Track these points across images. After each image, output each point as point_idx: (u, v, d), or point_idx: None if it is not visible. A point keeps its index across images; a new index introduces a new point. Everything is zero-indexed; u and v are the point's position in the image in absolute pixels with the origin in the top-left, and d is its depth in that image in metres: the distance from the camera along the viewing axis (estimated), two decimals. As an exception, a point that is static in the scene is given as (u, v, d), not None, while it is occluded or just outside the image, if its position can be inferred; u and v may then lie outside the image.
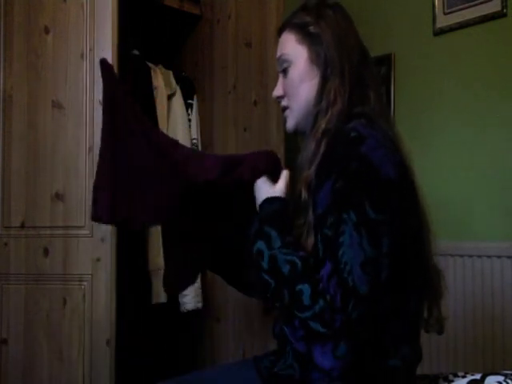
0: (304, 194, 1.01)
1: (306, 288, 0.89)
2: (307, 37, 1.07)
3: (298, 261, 0.92)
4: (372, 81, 1.08)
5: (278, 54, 1.12)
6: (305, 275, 0.91)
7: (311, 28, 1.07)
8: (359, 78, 1.06)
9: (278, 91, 1.13)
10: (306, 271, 0.91)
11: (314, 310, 0.88)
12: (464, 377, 1.06)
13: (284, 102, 1.13)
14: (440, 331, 1.08)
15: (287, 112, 1.13)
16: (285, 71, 1.10)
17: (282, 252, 0.94)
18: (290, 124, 1.13)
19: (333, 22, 1.08)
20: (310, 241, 0.96)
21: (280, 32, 1.14)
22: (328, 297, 0.87)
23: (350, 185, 0.91)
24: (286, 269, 0.92)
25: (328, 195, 0.92)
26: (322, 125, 1.03)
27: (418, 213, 1.02)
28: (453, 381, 1.07)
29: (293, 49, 1.09)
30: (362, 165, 0.92)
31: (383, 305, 0.93)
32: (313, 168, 1.01)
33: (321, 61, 1.06)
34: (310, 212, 0.98)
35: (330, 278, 0.88)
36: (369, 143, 0.94)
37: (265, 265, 0.95)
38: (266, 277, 0.95)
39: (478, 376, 1.01)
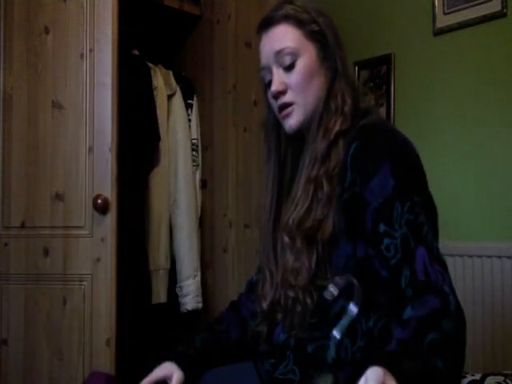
0: (326, 187, 0.98)
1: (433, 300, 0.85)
2: (313, 34, 1.06)
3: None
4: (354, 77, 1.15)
5: (279, 46, 1.06)
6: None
7: (314, 26, 1.06)
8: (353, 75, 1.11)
9: (280, 86, 1.05)
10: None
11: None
12: (464, 377, 1.06)
13: (287, 98, 1.06)
14: None
15: (292, 108, 1.06)
16: (291, 65, 1.05)
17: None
18: (295, 121, 1.06)
19: (329, 20, 1.08)
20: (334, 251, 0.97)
21: (270, 24, 1.09)
22: (447, 288, 0.86)
23: (412, 169, 0.95)
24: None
25: (387, 182, 0.92)
26: (337, 126, 1.01)
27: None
28: (453, 381, 1.06)
29: (300, 43, 1.05)
30: (409, 152, 0.97)
31: None
32: (333, 163, 0.99)
33: (330, 59, 1.06)
34: (334, 201, 0.97)
35: (432, 263, 0.87)
36: (399, 134, 0.99)
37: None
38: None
39: (477, 376, 1.01)
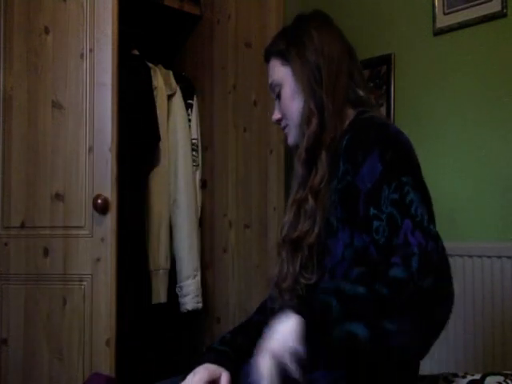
0: (311, 201, 1.05)
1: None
2: (290, 56, 1.13)
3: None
4: (360, 77, 1.15)
5: (269, 81, 1.18)
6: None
7: (292, 49, 1.13)
8: (350, 77, 1.12)
9: (276, 115, 1.18)
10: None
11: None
12: (464, 377, 1.06)
13: (283, 123, 1.18)
14: None
15: (287, 129, 1.18)
16: (278, 95, 1.16)
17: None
18: (290, 141, 1.18)
19: (312, 37, 1.12)
20: (332, 241, 1.00)
21: (266, 60, 1.20)
22: (416, 249, 0.85)
23: (400, 154, 0.97)
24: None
25: (375, 168, 0.95)
26: (304, 143, 1.08)
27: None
28: (453, 381, 1.07)
29: (279, 72, 1.15)
30: (401, 141, 1.00)
31: None
32: (318, 177, 1.05)
33: (305, 74, 1.11)
34: (318, 218, 1.03)
35: (414, 231, 0.88)
36: (393, 127, 1.03)
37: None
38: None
39: (477, 376, 1.01)
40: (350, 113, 1.10)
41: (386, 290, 0.82)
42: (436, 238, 0.88)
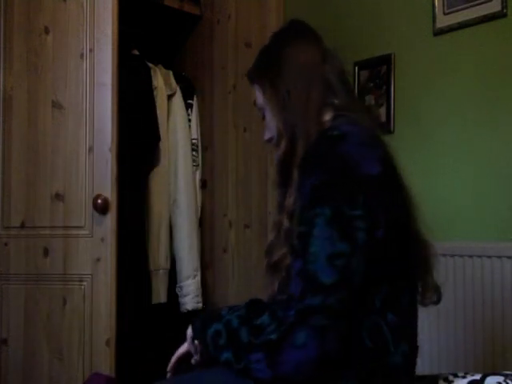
0: (286, 223, 1.05)
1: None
2: (263, 87, 1.16)
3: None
4: (339, 80, 1.13)
5: (256, 103, 1.22)
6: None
7: (265, 80, 1.16)
8: (327, 87, 1.11)
9: (265, 136, 1.20)
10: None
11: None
12: (464, 377, 1.06)
13: (272, 143, 1.19)
14: (437, 301, 1.11)
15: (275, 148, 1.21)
16: (263, 117, 1.19)
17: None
18: (275, 160, 1.21)
19: (284, 60, 1.14)
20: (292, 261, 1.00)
21: (250, 83, 1.23)
22: (292, 301, 0.89)
23: (327, 181, 0.93)
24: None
25: (306, 191, 0.95)
26: (274, 170, 1.12)
27: (404, 203, 1.03)
28: (453, 381, 1.07)
29: (259, 98, 1.19)
30: (342, 162, 0.94)
31: (372, 298, 0.94)
32: (291, 198, 1.04)
33: (277, 101, 1.13)
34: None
35: (296, 277, 0.91)
36: (350, 140, 0.98)
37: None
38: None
39: (477, 376, 1.01)
40: (327, 124, 1.09)
41: (274, 335, 0.89)
42: (311, 279, 0.88)
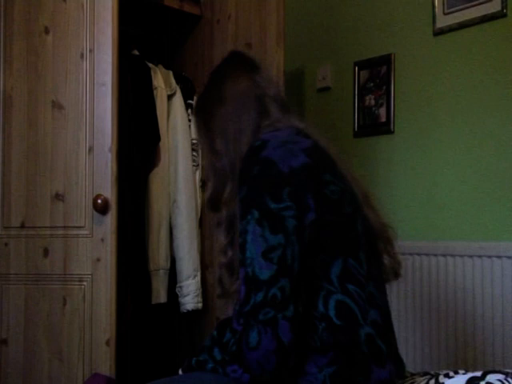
0: (230, 252, 1.12)
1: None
2: (200, 130, 1.24)
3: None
4: (272, 100, 1.17)
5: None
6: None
7: (201, 122, 1.22)
8: (259, 110, 1.14)
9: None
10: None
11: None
12: (465, 374, 1.06)
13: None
14: (396, 276, 1.15)
15: None
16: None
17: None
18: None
19: (218, 100, 1.18)
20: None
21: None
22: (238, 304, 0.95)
23: (251, 188, 0.98)
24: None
25: (239, 208, 0.99)
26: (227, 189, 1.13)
27: (343, 187, 1.05)
28: (453, 377, 1.07)
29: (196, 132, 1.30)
30: (263, 164, 0.99)
31: (318, 272, 0.97)
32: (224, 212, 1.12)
33: (208, 143, 1.20)
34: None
35: (243, 280, 0.93)
36: (270, 145, 1.01)
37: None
38: None
39: (478, 373, 1.01)
40: None
41: (234, 346, 1.00)
42: (251, 281, 0.91)
